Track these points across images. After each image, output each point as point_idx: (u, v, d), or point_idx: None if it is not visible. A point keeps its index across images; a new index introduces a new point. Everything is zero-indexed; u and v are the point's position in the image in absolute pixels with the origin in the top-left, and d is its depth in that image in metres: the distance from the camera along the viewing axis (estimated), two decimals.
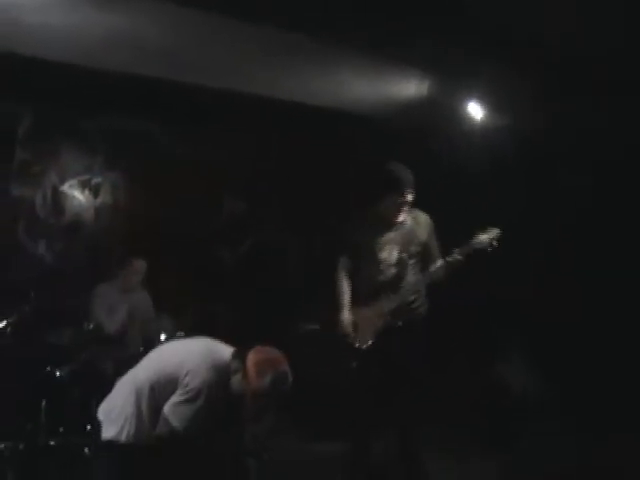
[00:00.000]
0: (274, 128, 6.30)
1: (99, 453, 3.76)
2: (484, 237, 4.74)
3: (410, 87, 5.77)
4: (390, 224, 4.92)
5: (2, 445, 4.70)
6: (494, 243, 4.73)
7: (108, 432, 3.58)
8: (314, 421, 5.95)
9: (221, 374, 3.57)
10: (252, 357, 3.56)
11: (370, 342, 4.87)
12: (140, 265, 5.91)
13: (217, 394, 3.55)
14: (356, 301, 4.98)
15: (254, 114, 6.04)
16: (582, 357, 5.76)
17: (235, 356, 3.61)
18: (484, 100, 5.77)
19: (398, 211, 4.88)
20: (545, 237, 5.98)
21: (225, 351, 3.67)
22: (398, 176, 4.83)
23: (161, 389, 3.55)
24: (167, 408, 3.51)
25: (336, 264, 5.07)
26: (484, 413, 5.94)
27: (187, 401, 3.49)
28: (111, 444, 3.55)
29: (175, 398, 3.51)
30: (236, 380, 3.57)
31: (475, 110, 5.88)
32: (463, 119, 5.93)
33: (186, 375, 3.51)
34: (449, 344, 6.01)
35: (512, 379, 6.09)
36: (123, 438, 3.53)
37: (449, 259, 4.78)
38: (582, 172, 5.75)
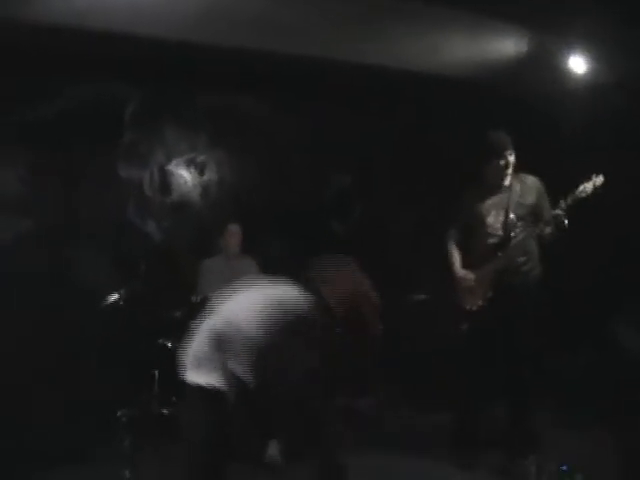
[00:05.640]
0: (374, 97, 6.23)
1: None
2: (588, 185, 4.63)
3: (508, 45, 5.61)
4: (496, 188, 4.90)
5: (119, 413, 4.92)
6: (599, 190, 4.61)
7: (191, 378, 3.47)
8: (424, 391, 5.93)
9: (295, 325, 3.38)
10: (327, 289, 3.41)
11: (480, 303, 4.85)
12: (235, 228, 6.06)
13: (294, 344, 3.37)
14: (466, 266, 4.98)
15: (353, 83, 6.02)
16: None
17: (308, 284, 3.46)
18: (589, 54, 5.53)
19: (502, 175, 4.88)
20: None
21: (297, 297, 3.47)
22: (496, 141, 4.85)
23: (231, 339, 3.39)
24: (233, 362, 3.37)
25: (445, 236, 5.11)
26: (599, 382, 5.76)
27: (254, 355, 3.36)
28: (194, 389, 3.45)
29: (244, 352, 3.37)
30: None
31: (579, 65, 5.63)
32: (567, 76, 5.70)
33: (252, 328, 3.37)
34: (563, 308, 5.85)
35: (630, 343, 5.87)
36: (203, 383, 3.41)
37: (554, 213, 4.69)
38: None
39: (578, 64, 5.60)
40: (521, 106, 5.90)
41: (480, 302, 4.86)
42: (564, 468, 4.64)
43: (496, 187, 4.92)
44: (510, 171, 4.89)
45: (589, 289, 6.02)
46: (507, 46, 5.64)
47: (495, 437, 5.01)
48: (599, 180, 4.65)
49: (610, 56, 5.49)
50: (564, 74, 5.69)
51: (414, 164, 6.73)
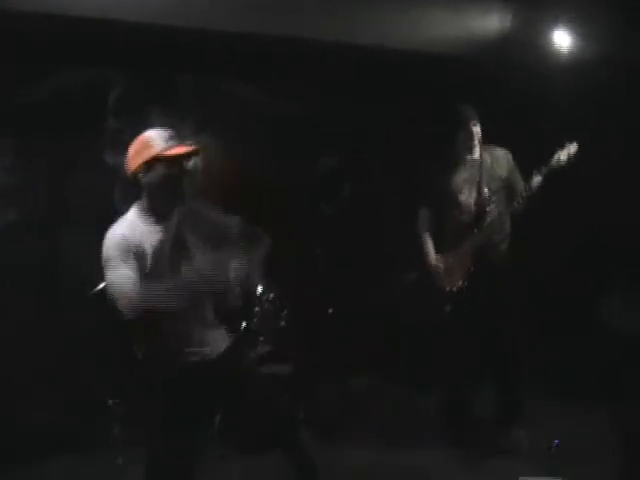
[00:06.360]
0: (357, 76, 6.18)
1: None
2: (562, 154, 4.59)
3: (490, 20, 5.57)
4: (466, 163, 4.84)
5: (110, 402, 4.95)
6: (572, 159, 4.57)
7: None
8: (416, 370, 5.94)
9: None
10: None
11: (460, 283, 4.83)
12: None
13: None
14: (445, 246, 4.94)
15: (339, 61, 5.96)
16: None
17: None
18: (572, 29, 5.48)
19: (469, 147, 4.82)
20: None
21: None
22: (458, 111, 4.82)
23: None
24: None
25: (416, 217, 5.06)
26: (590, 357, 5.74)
27: None
28: None
29: None
30: None
31: (563, 40, 5.56)
32: (550, 51, 5.64)
33: None
34: (543, 284, 5.84)
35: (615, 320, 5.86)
36: None
37: (529, 185, 4.65)
38: None
39: (563, 40, 5.54)
40: (509, 83, 5.85)
41: (460, 282, 4.83)
42: (556, 443, 4.66)
43: (466, 161, 4.87)
44: (477, 141, 4.85)
45: (576, 266, 6.00)
46: (493, 22, 5.61)
47: (486, 413, 5.02)
48: (573, 148, 4.61)
49: (596, 32, 5.44)
50: (549, 50, 5.64)
51: (403, 143, 6.69)
